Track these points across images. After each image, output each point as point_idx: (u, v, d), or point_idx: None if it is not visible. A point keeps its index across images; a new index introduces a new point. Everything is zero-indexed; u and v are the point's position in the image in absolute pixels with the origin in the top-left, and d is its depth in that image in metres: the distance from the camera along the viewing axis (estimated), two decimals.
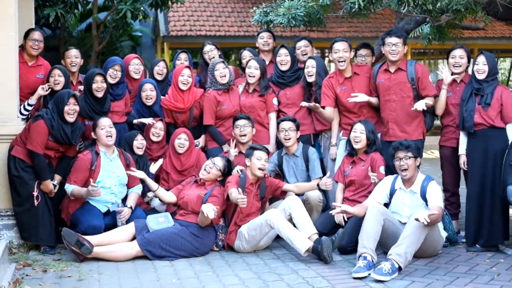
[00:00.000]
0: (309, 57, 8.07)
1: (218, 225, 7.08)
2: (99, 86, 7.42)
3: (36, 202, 6.88)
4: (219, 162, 7.13)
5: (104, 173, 7.03)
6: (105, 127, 7.05)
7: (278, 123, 7.73)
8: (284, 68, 8.11)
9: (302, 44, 8.43)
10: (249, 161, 7.09)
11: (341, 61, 7.71)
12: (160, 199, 7.29)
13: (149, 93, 7.93)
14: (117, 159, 7.20)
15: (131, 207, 7.08)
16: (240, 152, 7.68)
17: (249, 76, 8.04)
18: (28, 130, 6.89)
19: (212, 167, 7.08)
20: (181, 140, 7.57)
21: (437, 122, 7.92)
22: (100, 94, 7.43)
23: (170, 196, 7.17)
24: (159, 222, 6.87)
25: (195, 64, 8.95)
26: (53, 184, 6.98)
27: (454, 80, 7.51)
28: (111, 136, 7.08)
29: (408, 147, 6.65)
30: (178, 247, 6.73)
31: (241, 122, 7.65)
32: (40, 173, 6.89)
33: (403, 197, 6.71)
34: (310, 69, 7.87)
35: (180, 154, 7.60)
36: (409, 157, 6.63)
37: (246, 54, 8.67)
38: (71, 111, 6.95)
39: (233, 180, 7.00)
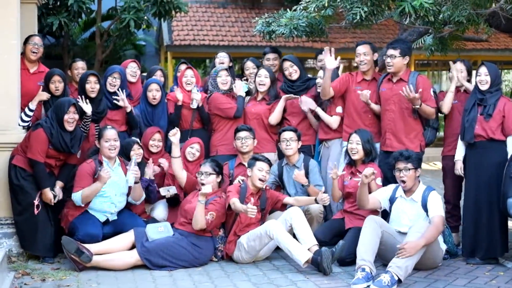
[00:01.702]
0: (321, 68, 8.08)
1: (217, 236, 7.06)
2: (92, 86, 7.46)
3: (36, 211, 6.87)
4: (207, 168, 7.07)
5: (107, 182, 6.99)
6: (110, 140, 7.04)
7: (279, 133, 7.73)
8: (294, 77, 8.13)
9: (323, 57, 8.47)
10: (251, 171, 7.08)
11: (362, 64, 7.77)
12: (174, 169, 7.36)
13: (155, 93, 7.98)
14: (119, 168, 7.20)
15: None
16: (240, 163, 7.67)
17: (260, 84, 8.10)
18: (28, 139, 6.89)
19: (203, 178, 7.03)
20: (193, 150, 7.65)
21: (441, 134, 7.92)
22: (93, 95, 7.45)
23: (183, 173, 7.31)
24: (158, 231, 6.86)
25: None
26: (53, 194, 6.95)
27: (458, 90, 7.56)
28: (115, 149, 7.08)
29: (408, 158, 6.64)
30: (177, 257, 6.72)
31: (242, 134, 7.66)
32: (40, 182, 6.89)
33: (403, 206, 6.71)
34: (319, 80, 7.89)
35: (189, 162, 7.63)
36: (409, 169, 6.62)
37: (249, 65, 8.69)
38: (70, 119, 6.95)
39: (234, 189, 7.00)
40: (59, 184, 7.09)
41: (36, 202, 6.89)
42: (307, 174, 7.56)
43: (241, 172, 7.60)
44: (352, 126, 7.70)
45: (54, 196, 6.96)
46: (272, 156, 7.95)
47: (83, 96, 7.36)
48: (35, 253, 6.99)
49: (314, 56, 9.03)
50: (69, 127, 6.95)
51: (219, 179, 7.13)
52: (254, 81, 8.26)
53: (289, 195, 7.49)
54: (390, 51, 7.39)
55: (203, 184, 6.92)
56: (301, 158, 7.68)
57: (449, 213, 7.67)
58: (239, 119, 8.05)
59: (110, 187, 7.03)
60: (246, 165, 7.22)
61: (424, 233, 6.27)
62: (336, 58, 7.56)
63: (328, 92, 7.71)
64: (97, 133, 7.40)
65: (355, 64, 8.12)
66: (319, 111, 7.86)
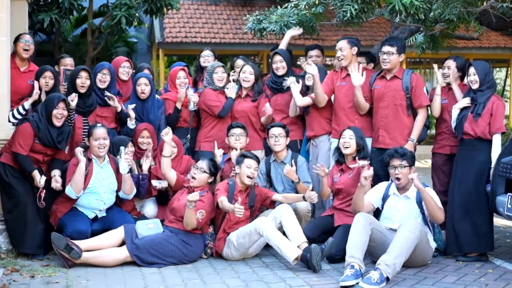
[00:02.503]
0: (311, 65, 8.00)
1: (207, 233, 7.06)
2: (83, 81, 7.46)
3: (40, 204, 6.86)
4: (204, 165, 7.09)
5: (95, 179, 7.01)
6: (99, 139, 7.02)
7: (268, 129, 7.73)
8: (280, 73, 8.12)
9: (314, 54, 8.62)
10: (239, 168, 7.08)
11: (340, 60, 7.80)
12: (163, 168, 7.28)
13: (143, 87, 7.97)
14: (108, 165, 7.18)
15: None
16: (229, 159, 7.68)
17: (244, 80, 8.10)
18: (14, 134, 6.89)
19: (196, 172, 7.04)
20: (144, 138, 7.68)
21: (432, 132, 7.94)
22: (83, 90, 7.45)
23: (172, 173, 7.26)
24: (148, 228, 6.86)
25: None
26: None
27: (449, 88, 7.57)
28: (104, 148, 7.07)
29: (403, 155, 6.68)
30: (167, 254, 6.72)
31: (236, 131, 7.67)
32: (26, 167, 6.85)
33: (397, 203, 6.73)
34: (309, 74, 7.85)
35: (171, 159, 7.56)
36: (404, 166, 6.65)
37: (239, 63, 8.69)
38: (59, 115, 6.93)
39: (222, 187, 7.00)
40: (56, 172, 7.06)
41: (43, 194, 6.87)
42: (295, 171, 7.56)
43: (229, 169, 7.62)
44: (339, 123, 7.73)
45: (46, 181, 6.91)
46: (260, 153, 7.95)
47: (72, 93, 7.35)
48: (24, 251, 6.95)
49: (304, 52, 9.03)
50: (57, 122, 6.94)
51: (210, 180, 7.12)
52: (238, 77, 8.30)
53: (277, 192, 7.50)
54: (387, 48, 7.40)
55: (193, 178, 6.93)
56: (288, 154, 7.68)
57: None
58: (226, 119, 8.06)
59: (98, 184, 7.02)
60: (236, 164, 7.20)
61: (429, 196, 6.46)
62: (362, 74, 7.53)
63: (323, 98, 7.73)
64: (86, 130, 7.40)
65: (334, 62, 8.16)
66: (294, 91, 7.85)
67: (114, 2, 12.88)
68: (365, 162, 6.76)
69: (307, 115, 7.99)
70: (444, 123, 7.61)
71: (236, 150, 7.61)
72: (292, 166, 7.34)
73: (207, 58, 8.92)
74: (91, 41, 13.89)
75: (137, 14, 13.16)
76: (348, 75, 7.76)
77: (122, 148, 7.08)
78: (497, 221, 7.98)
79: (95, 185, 7.00)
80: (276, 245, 6.61)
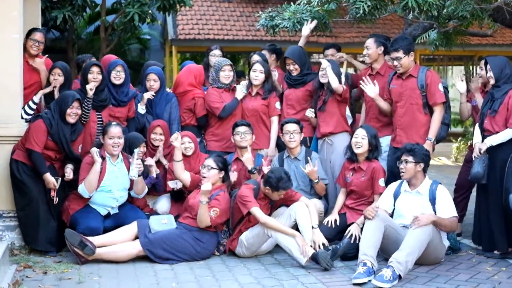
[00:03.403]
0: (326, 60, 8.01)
1: (221, 231, 7.06)
2: (94, 77, 7.45)
3: (55, 200, 6.91)
4: (210, 162, 7.02)
5: (108, 177, 7.02)
6: (114, 138, 7.02)
7: (282, 125, 7.68)
8: (294, 74, 8.12)
9: (329, 53, 8.62)
10: (270, 191, 6.91)
11: (366, 57, 7.90)
12: (176, 173, 7.29)
13: (152, 83, 7.98)
14: (121, 163, 7.19)
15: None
16: (237, 158, 7.66)
17: (254, 79, 8.05)
18: (28, 131, 6.91)
19: (205, 171, 6.99)
20: (185, 143, 7.55)
21: (455, 130, 7.94)
22: (72, 120, 7.29)
23: (186, 175, 7.26)
24: (161, 223, 6.88)
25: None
26: (56, 178, 6.91)
27: (482, 90, 7.68)
28: (118, 147, 7.07)
29: (409, 150, 6.63)
30: (180, 250, 6.72)
31: (241, 129, 7.61)
32: (39, 168, 6.87)
33: (408, 199, 6.71)
34: (325, 71, 7.77)
35: (188, 157, 7.58)
36: (408, 162, 6.61)
37: (255, 58, 8.65)
38: (73, 114, 6.96)
39: (250, 193, 6.87)
40: (70, 166, 7.10)
41: (53, 194, 6.89)
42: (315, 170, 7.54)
43: (237, 167, 7.62)
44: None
45: (57, 180, 6.92)
46: (269, 151, 7.99)
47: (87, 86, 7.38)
48: (37, 247, 6.99)
49: (322, 50, 9.02)
50: (71, 120, 6.97)
51: (221, 175, 7.07)
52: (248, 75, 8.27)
53: None
54: (394, 54, 7.32)
55: (204, 177, 6.92)
56: (302, 151, 7.64)
57: (455, 200, 7.72)
58: (233, 116, 8.01)
59: (112, 182, 7.03)
60: (268, 183, 6.90)
61: (440, 217, 6.41)
62: (374, 84, 7.59)
63: (387, 107, 7.70)
64: (100, 124, 7.46)
65: (361, 59, 8.12)
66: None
67: None
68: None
69: (322, 111, 7.86)
70: (474, 123, 7.69)
71: (242, 149, 7.58)
72: (314, 166, 7.30)
73: (214, 57, 8.83)
74: (104, 38, 13.91)
75: (150, 11, 13.15)
76: (370, 74, 7.79)
77: (136, 151, 7.06)
78: None
79: (108, 183, 7.01)
80: (286, 247, 6.62)
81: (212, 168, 6.99)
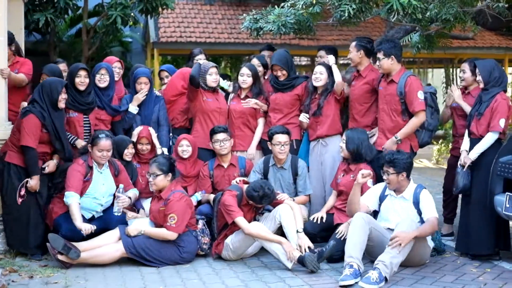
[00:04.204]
0: (319, 64, 8.01)
1: (197, 230, 7.03)
2: (82, 80, 7.44)
3: (19, 201, 6.81)
4: (154, 169, 6.90)
5: (95, 185, 6.98)
6: (103, 151, 6.95)
7: (271, 134, 7.55)
8: (281, 79, 8.08)
9: (320, 54, 8.57)
10: (253, 202, 6.92)
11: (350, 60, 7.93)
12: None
13: (143, 86, 8.02)
14: (107, 170, 7.13)
15: (130, 198, 7.06)
16: (219, 165, 7.67)
17: (242, 82, 8.06)
18: (18, 129, 6.84)
19: (151, 178, 6.89)
20: (183, 147, 7.62)
21: (436, 132, 7.98)
22: (82, 87, 7.45)
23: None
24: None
25: None
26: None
27: (463, 92, 7.70)
28: (106, 158, 7.01)
29: (390, 162, 6.59)
30: (164, 256, 6.72)
31: (220, 136, 7.58)
32: (32, 167, 6.81)
33: (393, 203, 6.72)
34: (318, 75, 7.80)
35: (185, 159, 7.64)
36: (390, 173, 6.60)
37: (254, 62, 8.59)
38: (63, 99, 7.00)
39: (234, 202, 6.84)
40: (56, 158, 7.10)
41: (22, 192, 6.83)
42: (295, 176, 7.56)
43: (220, 174, 7.64)
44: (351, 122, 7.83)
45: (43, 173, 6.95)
46: (258, 154, 8.03)
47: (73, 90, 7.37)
48: (27, 251, 6.94)
49: (303, 53, 9.04)
50: (62, 105, 7.00)
51: (169, 177, 6.94)
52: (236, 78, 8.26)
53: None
54: (377, 54, 7.39)
55: (153, 185, 6.91)
56: (288, 159, 7.62)
57: (444, 203, 7.94)
58: (219, 115, 8.00)
59: (97, 189, 6.99)
60: (251, 197, 6.88)
61: (419, 228, 6.38)
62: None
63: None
64: (87, 128, 7.48)
65: (341, 62, 8.14)
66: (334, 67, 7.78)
67: (109, 2, 12.83)
68: (368, 172, 6.67)
69: (318, 116, 7.82)
70: (455, 126, 7.79)
71: (222, 156, 7.61)
72: (299, 174, 7.48)
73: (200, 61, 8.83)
74: (86, 41, 13.85)
75: (132, 14, 13.13)
76: (359, 74, 7.83)
77: (121, 186, 7.01)
78: None
79: (94, 191, 6.97)
80: (272, 251, 6.63)
81: (157, 175, 6.89)
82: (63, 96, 6.98)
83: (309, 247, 6.69)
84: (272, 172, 7.59)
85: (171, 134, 8.14)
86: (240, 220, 6.73)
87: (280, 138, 7.47)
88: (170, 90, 8.27)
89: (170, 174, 6.94)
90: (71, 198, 6.73)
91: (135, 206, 7.45)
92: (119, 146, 7.36)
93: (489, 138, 6.90)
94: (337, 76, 7.63)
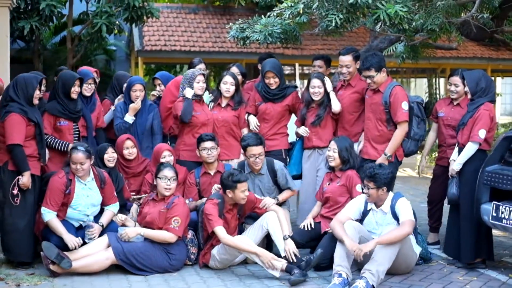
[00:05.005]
0: (316, 76, 7.91)
1: (187, 239, 7.04)
2: (76, 89, 7.44)
3: (17, 200, 6.74)
4: (171, 173, 7.00)
5: (78, 197, 6.91)
6: (76, 164, 6.87)
7: (244, 147, 7.47)
8: (273, 87, 8.02)
9: (317, 64, 8.57)
10: (232, 193, 6.89)
11: (346, 76, 7.90)
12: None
13: (138, 93, 8.04)
14: (92, 182, 7.05)
15: (102, 226, 6.95)
16: (205, 173, 7.65)
17: (225, 91, 8.04)
18: (1, 133, 6.79)
19: (170, 182, 6.96)
20: (166, 158, 7.56)
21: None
22: (75, 96, 7.45)
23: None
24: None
25: None
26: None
27: (450, 102, 7.71)
28: (82, 170, 6.90)
29: (371, 176, 6.56)
30: (153, 264, 6.72)
31: (208, 144, 7.52)
32: (21, 165, 6.73)
33: (375, 217, 6.73)
34: (317, 89, 7.75)
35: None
36: (370, 188, 6.57)
37: (234, 71, 8.60)
38: (38, 95, 6.97)
39: (214, 212, 6.82)
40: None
41: (15, 191, 6.74)
42: (275, 178, 7.53)
43: (206, 181, 7.61)
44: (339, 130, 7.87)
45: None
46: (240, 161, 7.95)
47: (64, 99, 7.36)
48: (21, 259, 6.87)
49: (287, 62, 9.06)
50: (37, 101, 6.97)
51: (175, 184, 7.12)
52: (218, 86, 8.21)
53: None
54: (366, 73, 7.36)
55: (168, 189, 6.94)
56: (264, 164, 7.56)
57: (429, 212, 7.98)
58: (204, 126, 7.93)
59: (81, 201, 6.92)
60: (225, 187, 6.94)
61: (383, 235, 6.41)
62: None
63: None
64: (76, 136, 7.47)
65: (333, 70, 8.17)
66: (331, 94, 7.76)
67: (94, 10, 12.86)
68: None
69: (316, 126, 7.81)
70: (441, 136, 7.80)
71: (208, 164, 7.60)
72: (279, 176, 7.45)
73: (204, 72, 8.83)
74: (71, 49, 13.85)
75: (117, 22, 13.14)
76: (349, 84, 7.88)
77: (90, 218, 6.98)
78: None
79: (78, 203, 6.91)
80: (258, 261, 6.62)
81: (174, 179, 7.00)
82: (37, 93, 6.94)
83: (295, 255, 6.70)
84: (250, 180, 7.42)
85: (168, 142, 8.11)
86: (219, 230, 6.71)
87: (255, 150, 7.40)
88: (166, 97, 8.23)
89: (176, 181, 7.11)
90: (47, 215, 6.72)
91: (125, 208, 7.46)
92: (99, 152, 7.35)
93: (469, 148, 6.95)
94: (336, 104, 7.68)
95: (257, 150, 7.39)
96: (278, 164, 7.60)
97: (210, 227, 6.78)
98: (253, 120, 8.06)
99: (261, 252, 6.62)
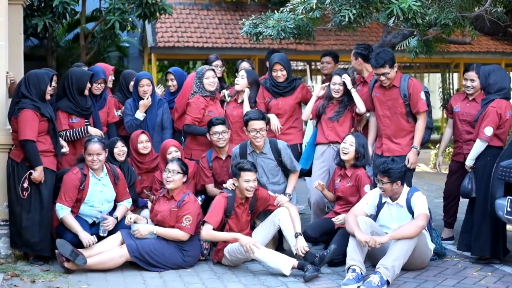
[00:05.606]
0: (336, 73, 7.85)
1: (200, 235, 7.01)
2: (88, 86, 7.49)
3: (26, 194, 6.78)
4: (174, 166, 6.98)
5: (92, 193, 6.93)
6: (93, 155, 6.89)
7: (246, 121, 7.37)
8: (280, 80, 8.01)
9: (325, 60, 8.72)
10: (237, 181, 6.91)
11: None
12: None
13: (146, 88, 8.05)
14: (106, 178, 7.08)
15: (116, 218, 6.99)
16: (217, 157, 7.66)
17: (235, 83, 8.07)
18: (15, 129, 6.82)
19: (170, 175, 6.92)
20: (172, 153, 7.55)
21: (433, 136, 8.00)
22: (87, 93, 7.50)
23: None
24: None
25: None
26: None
27: (466, 97, 7.68)
28: (99, 162, 6.92)
29: (384, 172, 6.53)
30: (168, 261, 6.73)
31: (219, 128, 7.51)
32: (34, 160, 6.75)
33: (390, 210, 6.71)
34: (338, 87, 7.70)
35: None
36: (384, 183, 6.55)
37: (244, 65, 8.61)
38: (50, 91, 7.01)
39: (219, 205, 6.84)
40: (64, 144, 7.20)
41: (25, 185, 6.78)
42: (279, 158, 7.42)
43: (218, 166, 7.64)
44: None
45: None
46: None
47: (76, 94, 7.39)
48: (43, 254, 6.91)
49: (300, 58, 9.06)
50: (49, 97, 7.02)
51: (184, 179, 7.04)
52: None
53: (260, 183, 7.24)
54: (380, 70, 7.30)
55: (169, 182, 6.91)
56: (267, 143, 7.43)
57: (445, 208, 7.97)
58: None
59: (95, 197, 6.95)
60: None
61: (396, 230, 6.39)
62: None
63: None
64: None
65: (341, 67, 8.18)
66: (353, 91, 7.70)
67: (107, 7, 12.88)
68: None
69: (332, 121, 7.77)
70: (457, 131, 7.76)
71: (219, 148, 7.60)
72: (284, 156, 7.39)
73: (220, 69, 8.88)
74: (84, 46, 13.89)
75: (130, 19, 13.16)
76: (365, 81, 7.95)
77: (104, 211, 7.01)
78: None
79: (92, 199, 6.93)
80: (267, 264, 6.63)
81: (178, 172, 6.96)
82: (49, 88, 6.97)
83: (307, 252, 6.70)
84: (251, 159, 7.33)
85: (182, 138, 8.14)
86: (205, 225, 6.74)
87: (256, 124, 7.29)
88: (186, 93, 8.17)
89: (185, 177, 7.05)
90: (61, 211, 6.75)
91: (137, 203, 7.52)
92: (109, 146, 7.33)
93: (477, 145, 7.03)
94: (361, 106, 7.62)
95: (258, 124, 7.28)
96: (281, 143, 7.48)
97: (205, 218, 6.80)
98: (275, 122, 7.87)
99: (239, 236, 6.66)
